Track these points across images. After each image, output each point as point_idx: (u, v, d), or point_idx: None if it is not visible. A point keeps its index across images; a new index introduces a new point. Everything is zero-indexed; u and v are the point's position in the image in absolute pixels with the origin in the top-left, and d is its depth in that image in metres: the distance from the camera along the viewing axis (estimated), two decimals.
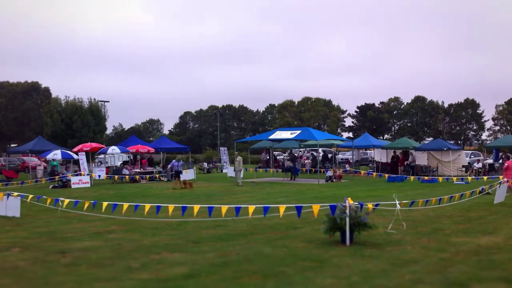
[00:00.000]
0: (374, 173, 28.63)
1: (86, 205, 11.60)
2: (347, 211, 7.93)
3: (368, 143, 35.52)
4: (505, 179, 14.65)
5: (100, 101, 52.12)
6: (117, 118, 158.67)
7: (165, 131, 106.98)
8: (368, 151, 45.01)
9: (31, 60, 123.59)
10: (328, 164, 37.60)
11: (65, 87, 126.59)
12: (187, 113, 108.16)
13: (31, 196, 12.39)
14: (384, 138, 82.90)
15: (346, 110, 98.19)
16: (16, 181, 26.56)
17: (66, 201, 11.63)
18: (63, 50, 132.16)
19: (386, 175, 26.11)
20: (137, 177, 26.75)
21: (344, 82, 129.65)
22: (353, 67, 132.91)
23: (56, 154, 26.84)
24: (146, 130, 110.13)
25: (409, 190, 19.75)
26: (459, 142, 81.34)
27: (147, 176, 27.71)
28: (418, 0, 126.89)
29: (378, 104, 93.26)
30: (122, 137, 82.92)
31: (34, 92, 70.35)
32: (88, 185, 23.63)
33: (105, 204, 11.26)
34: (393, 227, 9.48)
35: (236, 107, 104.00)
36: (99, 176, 26.56)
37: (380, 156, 35.06)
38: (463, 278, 6.01)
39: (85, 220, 11.28)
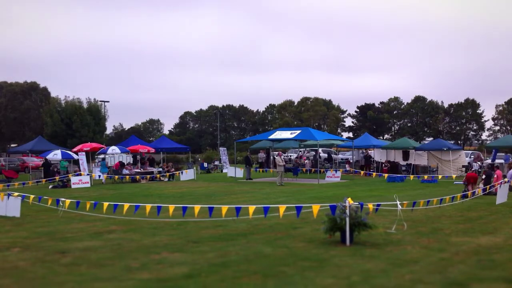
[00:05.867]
0: (374, 173, 28.63)
1: (88, 206, 11.60)
2: (347, 211, 7.93)
3: (368, 143, 35.53)
4: (506, 179, 14.65)
5: (100, 101, 52.20)
6: (117, 118, 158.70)
7: (165, 131, 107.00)
8: (368, 151, 44.95)
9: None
10: (328, 164, 37.65)
11: (64, 86, 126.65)
12: (187, 113, 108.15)
13: (32, 196, 12.38)
14: (384, 138, 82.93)
15: (346, 110, 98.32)
16: (16, 181, 26.54)
17: (68, 202, 11.62)
18: (64, 50, 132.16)
19: (386, 175, 26.11)
20: (138, 177, 26.75)
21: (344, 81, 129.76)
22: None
23: (56, 154, 26.83)
24: (146, 130, 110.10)
25: (409, 190, 19.76)
26: (459, 142, 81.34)
27: (148, 176, 27.71)
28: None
29: (378, 104, 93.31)
30: (122, 137, 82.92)
31: (33, 92, 70.28)
32: (88, 185, 23.63)
33: (106, 204, 11.26)
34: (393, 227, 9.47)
35: (236, 107, 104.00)
36: (99, 176, 26.57)
37: (380, 156, 35.05)
38: (463, 278, 6.01)
39: (85, 220, 11.28)
